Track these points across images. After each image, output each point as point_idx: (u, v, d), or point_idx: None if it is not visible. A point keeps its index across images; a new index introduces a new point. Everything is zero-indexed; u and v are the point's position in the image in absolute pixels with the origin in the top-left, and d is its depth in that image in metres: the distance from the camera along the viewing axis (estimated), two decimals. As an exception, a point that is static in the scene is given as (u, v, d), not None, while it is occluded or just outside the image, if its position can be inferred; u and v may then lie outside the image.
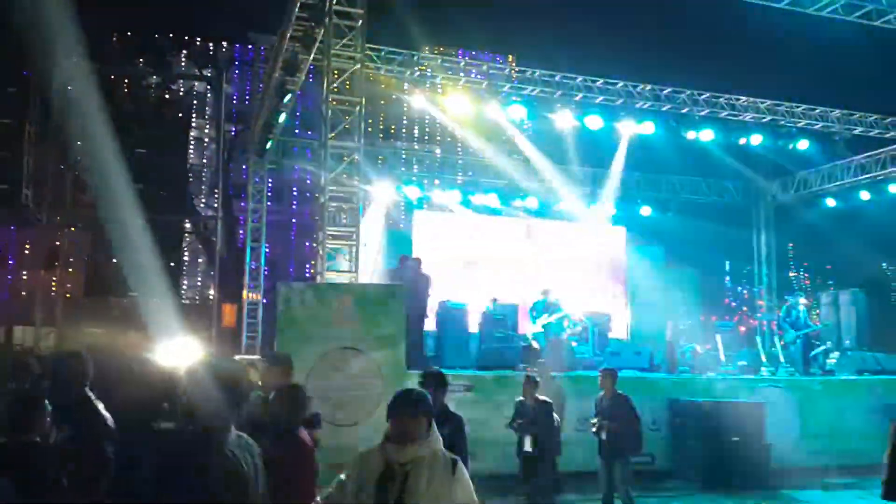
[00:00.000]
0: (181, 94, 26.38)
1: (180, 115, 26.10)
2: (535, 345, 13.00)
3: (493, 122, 17.05)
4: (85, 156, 19.30)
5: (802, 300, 15.34)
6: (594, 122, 15.84)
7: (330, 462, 7.41)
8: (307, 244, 25.70)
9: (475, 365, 12.01)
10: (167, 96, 25.24)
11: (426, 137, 29.87)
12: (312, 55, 12.96)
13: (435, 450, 3.32)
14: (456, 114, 16.25)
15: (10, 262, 20.25)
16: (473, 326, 15.74)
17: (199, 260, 26.24)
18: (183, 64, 26.80)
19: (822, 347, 14.96)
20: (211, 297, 21.32)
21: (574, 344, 14.46)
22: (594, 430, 7.96)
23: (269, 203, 19.19)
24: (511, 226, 21.68)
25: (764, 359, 14.45)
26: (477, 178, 20.80)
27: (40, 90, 17.40)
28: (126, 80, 24.14)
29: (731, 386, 11.99)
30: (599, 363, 12.47)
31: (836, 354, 14.89)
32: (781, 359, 14.56)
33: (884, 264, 28.28)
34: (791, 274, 26.60)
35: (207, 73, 26.07)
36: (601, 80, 15.82)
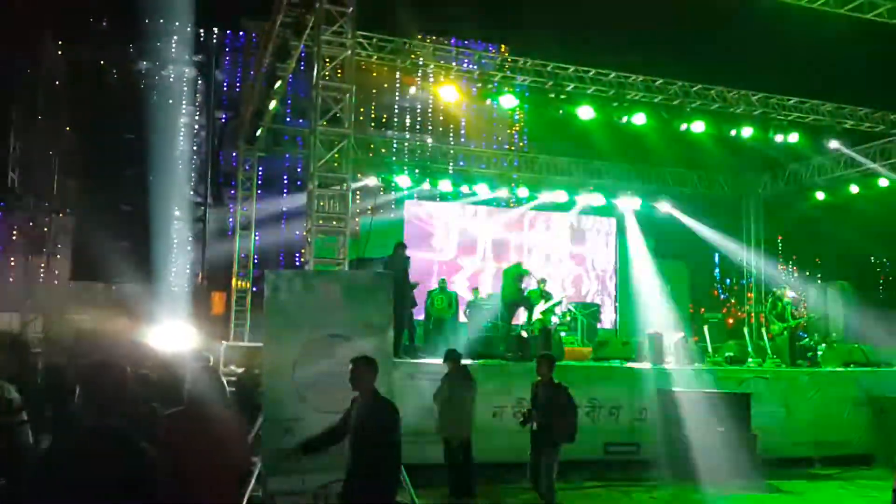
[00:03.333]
0: (171, 80, 26.16)
1: (170, 101, 25.86)
2: (524, 335, 13.02)
3: (484, 112, 17.00)
4: (73, 141, 19.17)
5: (789, 293, 15.41)
6: (585, 112, 15.81)
7: (316, 449, 7.45)
8: (297, 233, 25.54)
9: (464, 354, 12.02)
10: (157, 81, 25.01)
11: (418, 127, 29.75)
12: (303, 42, 12.88)
13: None
14: (448, 103, 16.20)
15: (-3, 247, 20.09)
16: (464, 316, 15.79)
17: (188, 248, 26.09)
18: (173, 50, 26.56)
19: (809, 339, 15.05)
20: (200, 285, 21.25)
21: (563, 334, 14.52)
22: (521, 419, 7.81)
23: (259, 191, 19.11)
24: (502, 216, 21.73)
25: (751, 350, 14.52)
26: (468, 168, 20.75)
27: (27, 74, 17.24)
28: (115, 66, 23.92)
29: (718, 377, 12.06)
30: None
31: (823, 346, 15.00)
32: (768, 350, 14.64)
33: (872, 258, 28.41)
34: (780, 266, 26.64)
35: (198, 59, 25.86)
36: (593, 71, 15.77)
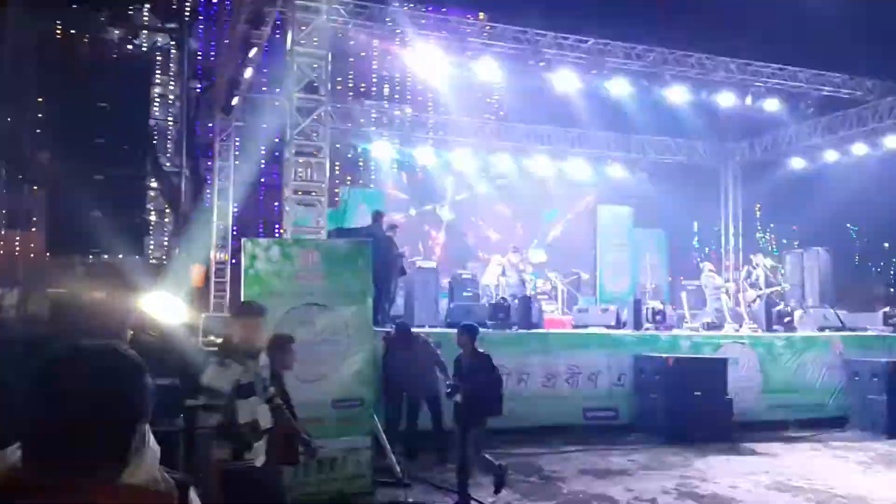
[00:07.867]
0: (144, 48, 25.60)
1: (143, 69, 25.31)
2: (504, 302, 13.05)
3: (463, 80, 16.85)
4: (44, 111, 18.74)
5: (763, 260, 15.58)
6: (565, 79, 15.70)
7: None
8: (276, 204, 25.28)
9: (444, 323, 12.11)
10: (129, 49, 24.47)
11: (396, 95, 29.47)
12: (277, 7, 12.65)
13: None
14: (426, 71, 16.02)
15: (-30, 221, 19.72)
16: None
17: (166, 219, 25.82)
18: (146, 17, 25.96)
19: (785, 305, 15.25)
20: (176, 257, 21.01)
21: (543, 301, 14.59)
22: (447, 391, 7.36)
23: (236, 162, 18.86)
24: (482, 185, 21.67)
25: (728, 317, 14.69)
26: (447, 137, 20.59)
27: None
28: (86, 33, 23.36)
29: (695, 342, 12.19)
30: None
31: (799, 312, 15.19)
32: (745, 317, 14.82)
33: (848, 225, 28.76)
34: (758, 234, 26.91)
35: (171, 26, 25.31)
36: (572, 38, 15.63)
